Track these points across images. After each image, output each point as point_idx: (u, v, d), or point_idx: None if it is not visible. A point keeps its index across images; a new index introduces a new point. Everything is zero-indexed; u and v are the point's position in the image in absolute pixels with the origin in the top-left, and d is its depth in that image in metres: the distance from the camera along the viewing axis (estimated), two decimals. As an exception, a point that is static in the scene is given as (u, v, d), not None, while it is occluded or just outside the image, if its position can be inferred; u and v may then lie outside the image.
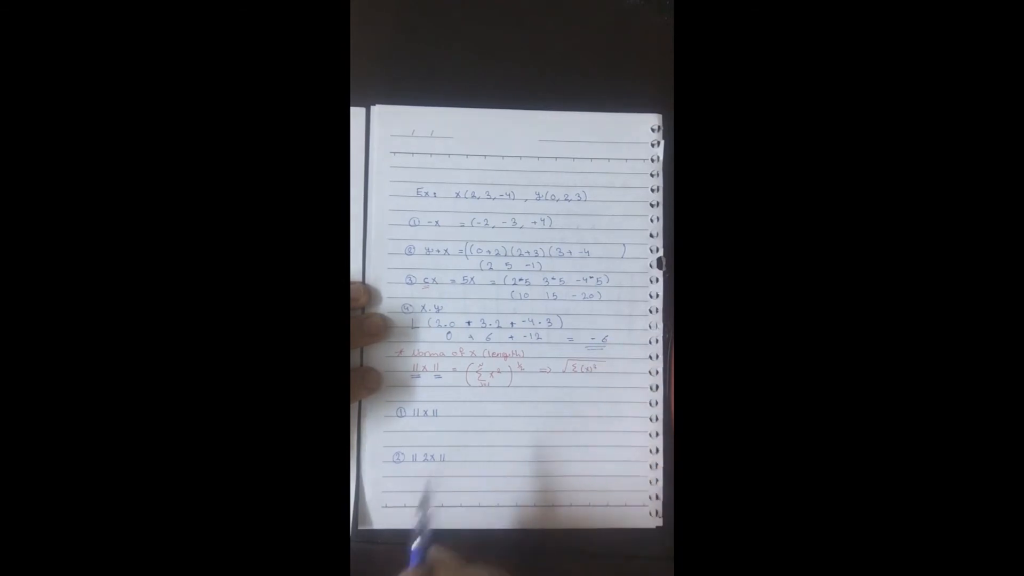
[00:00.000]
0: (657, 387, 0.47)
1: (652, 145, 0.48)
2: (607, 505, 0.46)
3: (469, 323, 0.47)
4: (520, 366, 0.47)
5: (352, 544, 0.44)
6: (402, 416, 0.46)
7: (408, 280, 0.47)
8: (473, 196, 0.47)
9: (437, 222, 0.47)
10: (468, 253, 0.47)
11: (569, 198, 0.48)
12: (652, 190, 0.48)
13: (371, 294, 0.46)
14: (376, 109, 0.47)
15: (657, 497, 0.46)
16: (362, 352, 0.46)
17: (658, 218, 0.48)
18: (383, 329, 0.45)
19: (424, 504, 0.39)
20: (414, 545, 0.38)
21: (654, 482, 0.46)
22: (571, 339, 0.47)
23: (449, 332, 0.46)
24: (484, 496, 0.46)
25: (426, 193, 0.47)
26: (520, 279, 0.47)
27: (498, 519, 0.45)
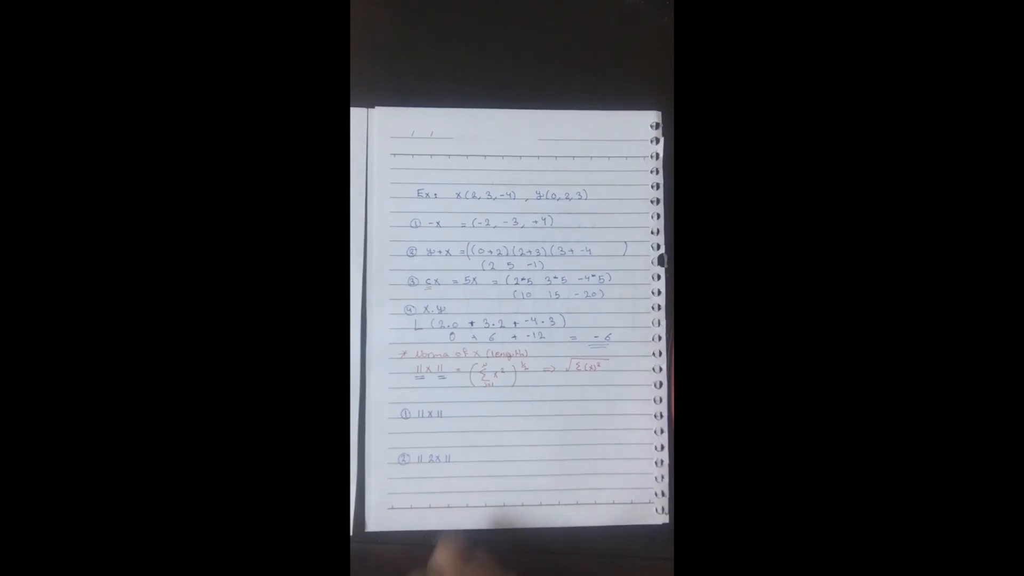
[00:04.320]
0: (661, 384, 0.47)
1: (652, 142, 0.48)
2: (613, 503, 0.46)
3: (472, 323, 0.47)
4: (524, 365, 0.47)
5: (359, 546, 0.44)
6: (407, 417, 0.46)
7: (410, 281, 0.47)
8: (474, 196, 0.47)
9: (438, 223, 0.47)
10: (470, 253, 0.47)
11: (570, 197, 0.48)
12: (653, 187, 0.48)
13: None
14: (376, 111, 0.47)
15: (663, 494, 0.46)
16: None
17: (659, 215, 0.48)
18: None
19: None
20: None
21: (659, 479, 0.46)
22: (574, 338, 0.47)
23: (452, 333, 0.46)
24: (490, 496, 0.46)
25: (427, 194, 0.47)
26: (522, 279, 0.47)
27: (504, 519, 0.45)
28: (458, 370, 0.46)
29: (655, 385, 0.47)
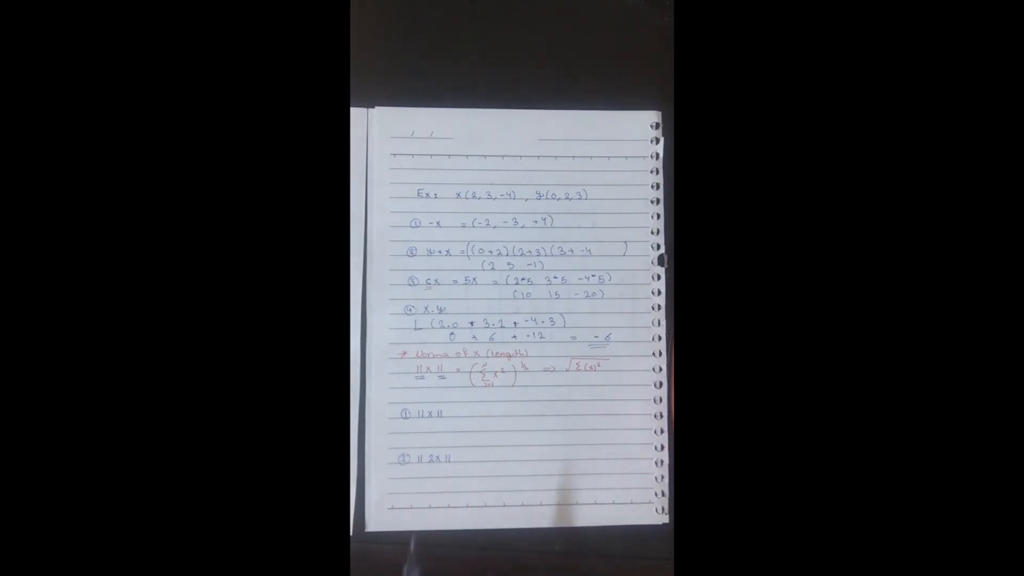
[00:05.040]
0: (661, 384, 0.47)
1: (652, 142, 0.48)
2: (613, 503, 0.46)
3: (472, 323, 0.47)
4: (524, 365, 0.47)
5: (358, 546, 0.44)
6: (407, 417, 0.46)
7: (410, 281, 0.47)
8: (474, 196, 0.47)
9: (438, 223, 0.47)
10: (470, 253, 0.47)
11: (570, 197, 0.48)
12: (653, 187, 0.48)
13: None
14: (376, 111, 0.47)
15: (663, 494, 0.46)
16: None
17: (659, 215, 0.48)
18: None
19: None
20: None
21: (659, 479, 0.46)
22: (574, 338, 0.47)
23: (452, 333, 0.46)
24: (489, 496, 0.46)
25: (427, 194, 0.47)
26: (522, 279, 0.47)
27: (503, 519, 0.45)
28: (458, 370, 0.46)
29: (655, 385, 0.47)
